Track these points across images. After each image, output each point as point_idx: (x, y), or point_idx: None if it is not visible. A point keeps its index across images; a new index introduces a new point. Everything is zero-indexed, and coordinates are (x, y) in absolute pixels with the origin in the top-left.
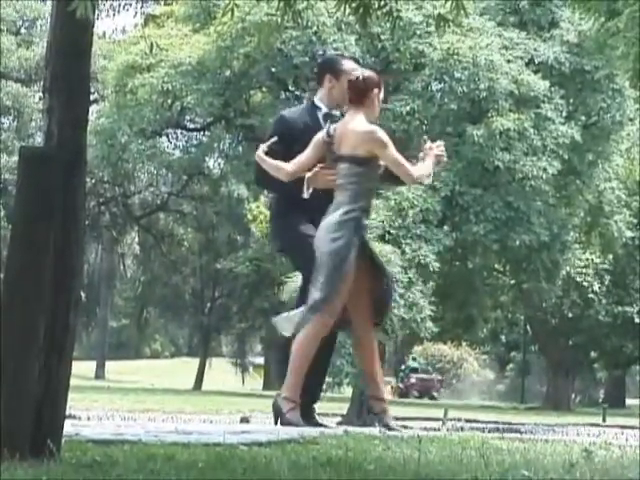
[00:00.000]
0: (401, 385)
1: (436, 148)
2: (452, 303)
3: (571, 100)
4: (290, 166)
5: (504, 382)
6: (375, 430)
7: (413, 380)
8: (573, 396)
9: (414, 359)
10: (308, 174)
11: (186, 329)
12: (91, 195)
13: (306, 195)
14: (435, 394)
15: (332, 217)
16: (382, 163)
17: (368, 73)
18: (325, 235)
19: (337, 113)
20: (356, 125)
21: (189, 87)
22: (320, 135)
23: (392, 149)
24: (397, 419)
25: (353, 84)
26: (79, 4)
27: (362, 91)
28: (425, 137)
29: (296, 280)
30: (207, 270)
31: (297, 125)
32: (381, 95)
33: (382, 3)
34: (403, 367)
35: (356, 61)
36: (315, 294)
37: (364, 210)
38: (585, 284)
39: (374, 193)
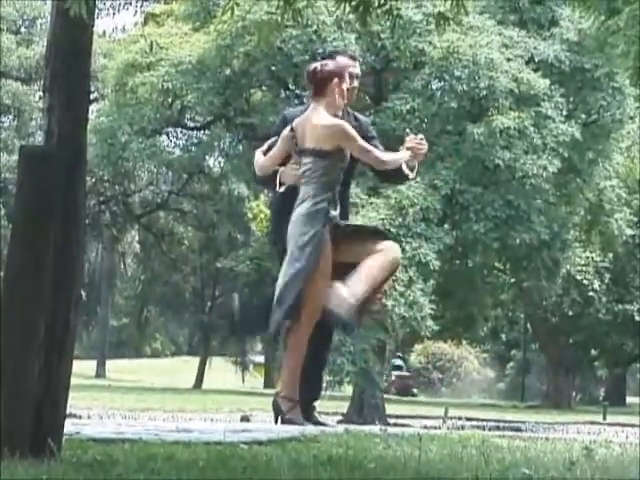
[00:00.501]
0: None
1: (412, 141)
2: (452, 301)
3: (571, 98)
4: (262, 159)
5: (504, 380)
6: (375, 428)
7: (392, 378)
8: (573, 394)
9: (399, 357)
10: (281, 169)
11: (186, 328)
12: (91, 194)
13: (280, 189)
14: (415, 391)
15: (300, 209)
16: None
17: (328, 64)
18: (295, 229)
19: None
20: (320, 119)
21: (189, 86)
22: (286, 130)
23: (358, 139)
24: (398, 417)
25: (311, 76)
26: (72, 3)
27: (320, 82)
28: (407, 131)
29: None
30: (207, 269)
31: None
32: (344, 85)
33: (382, 1)
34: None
35: (352, 57)
36: (291, 292)
37: (331, 201)
38: (585, 282)
39: (339, 184)
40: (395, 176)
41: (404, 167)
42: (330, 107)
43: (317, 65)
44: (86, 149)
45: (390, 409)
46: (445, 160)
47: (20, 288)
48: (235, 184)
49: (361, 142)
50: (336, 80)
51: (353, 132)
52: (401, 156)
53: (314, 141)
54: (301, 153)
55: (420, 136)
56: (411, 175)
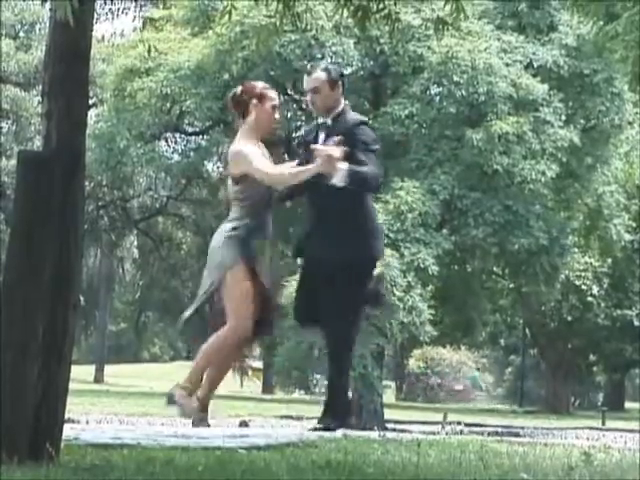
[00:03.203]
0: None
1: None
2: (451, 306)
3: (570, 104)
4: None
5: (503, 385)
6: (374, 434)
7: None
8: (572, 399)
9: (478, 369)
10: None
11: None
12: (90, 199)
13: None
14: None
15: (220, 229)
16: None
17: (247, 84)
18: (212, 249)
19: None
20: (232, 145)
21: (188, 91)
22: None
23: (254, 162)
24: (397, 422)
25: (232, 100)
26: (58, 5)
27: (241, 104)
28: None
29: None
30: None
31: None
32: (268, 104)
33: (381, 6)
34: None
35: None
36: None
37: (252, 228)
38: (584, 287)
39: (268, 209)
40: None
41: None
42: (252, 129)
43: (237, 89)
44: (85, 154)
45: (389, 414)
46: (444, 165)
47: (19, 293)
48: None
49: (256, 164)
50: (255, 101)
51: (249, 155)
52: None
53: (229, 167)
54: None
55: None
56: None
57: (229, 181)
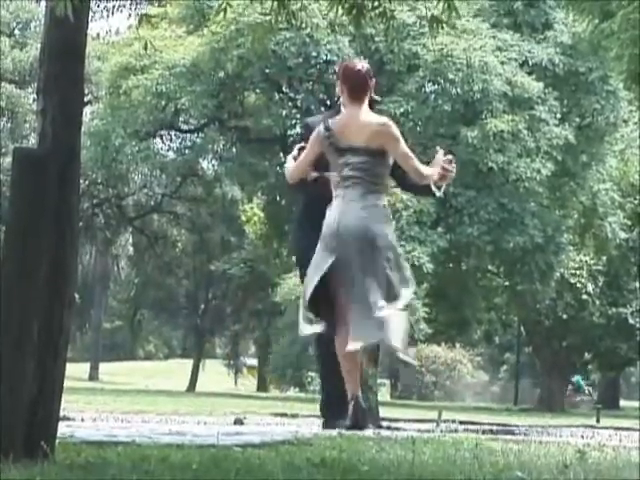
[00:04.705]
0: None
1: (445, 162)
2: (446, 304)
3: (565, 102)
4: (291, 166)
5: (498, 384)
6: (369, 432)
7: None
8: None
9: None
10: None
11: (180, 330)
12: (85, 196)
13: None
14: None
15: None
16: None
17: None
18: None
19: None
20: (370, 117)
21: (183, 89)
22: (319, 130)
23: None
24: (391, 420)
25: (357, 75)
26: (59, 3)
27: (365, 81)
28: (438, 148)
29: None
30: (201, 271)
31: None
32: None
33: (376, 4)
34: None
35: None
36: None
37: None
38: (579, 285)
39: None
40: (421, 189)
41: (431, 183)
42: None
43: (360, 63)
44: (80, 151)
45: (384, 412)
46: None
47: (15, 290)
48: (229, 187)
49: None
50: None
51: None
52: (432, 173)
53: (364, 139)
54: (344, 152)
55: (450, 157)
56: (438, 193)
57: (355, 157)
